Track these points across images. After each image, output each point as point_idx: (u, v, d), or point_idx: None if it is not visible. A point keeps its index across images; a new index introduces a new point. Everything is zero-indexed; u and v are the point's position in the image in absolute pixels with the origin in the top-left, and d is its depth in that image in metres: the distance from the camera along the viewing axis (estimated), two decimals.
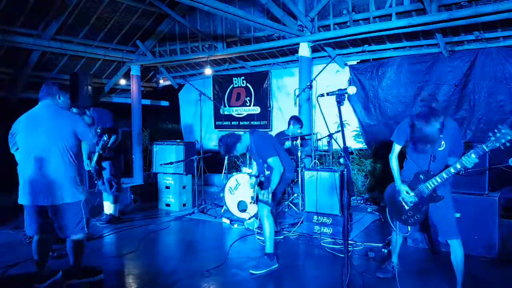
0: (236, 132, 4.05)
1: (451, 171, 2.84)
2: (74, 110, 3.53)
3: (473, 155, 2.70)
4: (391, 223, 3.33)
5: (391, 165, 3.24)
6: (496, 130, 2.60)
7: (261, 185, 4.04)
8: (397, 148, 3.24)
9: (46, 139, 3.17)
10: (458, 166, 2.79)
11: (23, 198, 3.24)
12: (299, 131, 6.07)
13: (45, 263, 3.42)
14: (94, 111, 5.23)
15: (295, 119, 6.06)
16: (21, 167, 3.27)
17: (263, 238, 4.30)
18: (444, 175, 2.89)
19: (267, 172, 3.96)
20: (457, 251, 3.02)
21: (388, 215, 3.36)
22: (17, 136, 3.26)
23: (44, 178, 3.17)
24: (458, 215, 3.91)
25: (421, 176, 3.05)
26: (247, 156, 6.18)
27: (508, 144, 2.57)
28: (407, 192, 3.10)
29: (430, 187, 2.98)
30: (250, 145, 3.96)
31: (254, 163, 4.26)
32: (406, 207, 3.16)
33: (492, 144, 2.61)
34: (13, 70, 8.03)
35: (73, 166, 3.29)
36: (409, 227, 3.28)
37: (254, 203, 4.17)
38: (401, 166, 3.28)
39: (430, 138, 2.85)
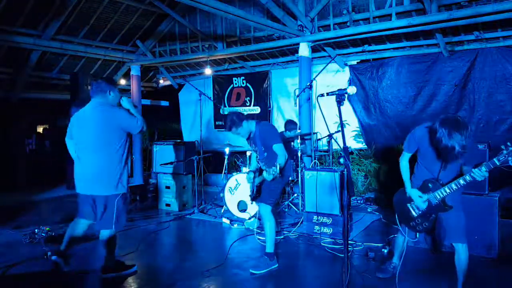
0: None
1: (461, 183, 2.78)
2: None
3: (483, 168, 2.64)
4: (400, 228, 3.31)
5: (401, 170, 3.17)
6: (509, 144, 2.53)
7: (261, 172, 3.99)
8: (407, 154, 3.17)
9: (91, 136, 3.40)
10: (468, 178, 2.73)
11: (76, 187, 3.56)
12: (299, 131, 6.09)
13: (70, 246, 3.61)
14: None
15: (288, 123, 6.25)
16: (74, 159, 3.56)
17: (263, 238, 4.31)
18: (453, 186, 2.83)
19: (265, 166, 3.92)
20: (461, 255, 2.99)
21: (397, 219, 3.32)
22: (73, 129, 3.55)
23: (87, 170, 3.43)
24: None
25: (429, 185, 2.99)
26: (247, 156, 6.19)
27: None
28: (420, 196, 3.03)
29: (439, 197, 2.93)
30: (254, 132, 3.92)
31: (253, 159, 4.23)
32: (414, 214, 3.12)
33: (504, 158, 2.54)
34: (13, 70, 8.04)
35: (115, 161, 3.43)
36: (417, 234, 3.26)
37: (252, 199, 4.12)
38: (411, 170, 3.21)
39: (451, 154, 2.62)
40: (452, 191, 2.86)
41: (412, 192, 3.09)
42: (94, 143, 3.38)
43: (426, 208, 3.04)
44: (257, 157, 4.07)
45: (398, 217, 3.30)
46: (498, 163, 2.57)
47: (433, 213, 3.02)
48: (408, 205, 3.17)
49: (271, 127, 4.05)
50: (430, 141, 2.87)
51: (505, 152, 2.53)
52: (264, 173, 3.64)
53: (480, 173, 2.66)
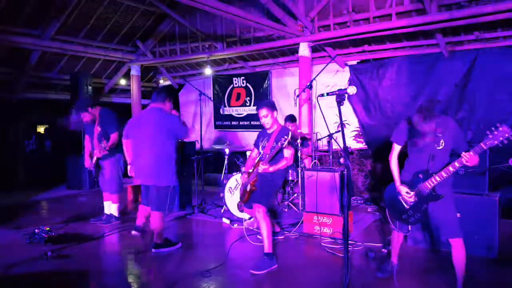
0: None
1: (450, 170, 2.85)
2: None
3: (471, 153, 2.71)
4: (391, 222, 3.33)
5: (391, 166, 3.24)
6: (493, 128, 2.60)
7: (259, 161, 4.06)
8: (396, 148, 3.24)
9: (152, 134, 4.11)
10: (456, 164, 2.81)
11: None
12: (299, 130, 6.08)
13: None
14: (101, 110, 5.38)
15: (288, 118, 6.25)
16: (134, 154, 4.34)
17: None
18: (443, 173, 2.89)
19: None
20: (458, 250, 3.00)
21: (388, 214, 3.36)
22: (133, 129, 4.32)
23: (148, 164, 4.12)
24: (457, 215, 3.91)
25: (420, 175, 3.05)
26: (247, 156, 6.18)
27: (506, 142, 2.57)
28: (407, 193, 3.11)
29: (429, 186, 2.98)
30: (275, 129, 4.00)
31: (249, 157, 4.30)
32: (406, 206, 3.16)
33: (490, 141, 2.61)
34: (13, 70, 8.04)
35: (169, 155, 4.18)
36: (409, 226, 3.28)
37: (243, 202, 4.19)
38: (402, 166, 3.27)
39: (427, 137, 2.88)
40: (442, 179, 2.91)
41: (401, 188, 3.15)
42: (154, 139, 4.11)
43: (418, 199, 3.08)
44: (259, 152, 4.11)
45: (389, 212, 3.33)
46: (485, 147, 2.65)
47: (424, 204, 3.07)
48: (400, 197, 3.20)
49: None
50: (413, 130, 3.03)
51: (490, 136, 2.61)
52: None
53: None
